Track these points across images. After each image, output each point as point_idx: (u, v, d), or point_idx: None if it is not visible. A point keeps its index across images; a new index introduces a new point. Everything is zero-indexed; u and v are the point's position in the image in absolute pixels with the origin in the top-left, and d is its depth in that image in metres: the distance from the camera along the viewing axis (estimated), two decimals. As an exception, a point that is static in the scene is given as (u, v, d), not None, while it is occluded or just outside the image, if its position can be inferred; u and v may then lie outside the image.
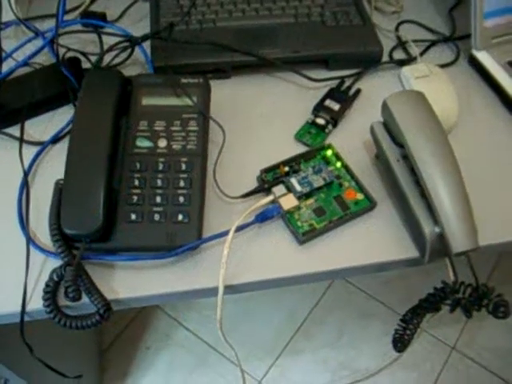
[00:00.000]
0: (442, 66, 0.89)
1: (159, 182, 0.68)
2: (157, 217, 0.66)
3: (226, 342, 0.71)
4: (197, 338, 1.62)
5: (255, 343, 1.62)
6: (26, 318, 0.64)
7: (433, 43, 0.93)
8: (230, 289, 0.67)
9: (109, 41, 0.86)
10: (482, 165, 0.78)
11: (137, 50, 0.87)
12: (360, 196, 0.73)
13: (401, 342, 0.80)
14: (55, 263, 0.65)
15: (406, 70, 0.86)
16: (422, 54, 0.91)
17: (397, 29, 0.95)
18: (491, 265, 1.65)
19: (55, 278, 0.62)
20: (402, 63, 0.89)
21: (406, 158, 0.70)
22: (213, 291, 0.66)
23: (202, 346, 1.61)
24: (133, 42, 0.85)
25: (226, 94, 0.84)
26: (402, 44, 0.93)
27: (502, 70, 0.87)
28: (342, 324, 1.68)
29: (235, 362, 1.53)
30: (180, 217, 0.66)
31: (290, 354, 1.62)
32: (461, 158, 0.66)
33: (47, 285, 0.62)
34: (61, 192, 0.66)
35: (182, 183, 0.68)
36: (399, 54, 0.92)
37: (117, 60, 0.86)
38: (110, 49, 0.84)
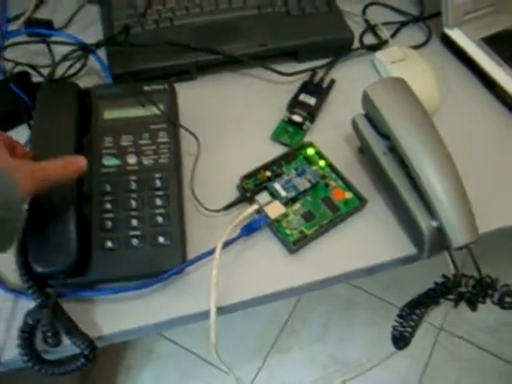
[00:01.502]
0: (415, 47, 0.85)
1: (133, 203, 0.63)
2: (135, 242, 0.61)
3: (223, 364, 0.66)
4: (182, 349, 1.56)
5: (241, 346, 1.58)
6: (1, 369, 0.58)
7: (402, 24, 0.89)
8: (223, 310, 0.62)
9: (59, 50, 0.79)
10: (469, 148, 0.74)
11: (91, 58, 0.80)
12: (349, 195, 0.69)
13: (401, 340, 0.76)
14: (28, 304, 0.58)
15: (379, 56, 0.82)
16: (392, 36, 0.87)
17: (364, 12, 0.90)
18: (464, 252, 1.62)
19: (30, 322, 0.56)
20: (373, 48, 0.85)
21: (394, 149, 0.66)
22: (204, 315, 0.61)
23: (187, 356, 1.55)
24: (86, 49, 0.78)
25: (193, 97, 0.78)
26: (371, 28, 0.88)
27: (476, 47, 0.83)
28: (327, 317, 1.64)
29: (224, 370, 1.47)
30: (161, 239, 0.61)
31: (278, 354, 1.58)
32: (447, 144, 0.63)
33: (22, 331, 0.56)
34: (26, 225, 0.60)
35: (158, 202, 0.63)
36: (369, 39, 0.87)
37: (70, 71, 0.79)
38: (63, 59, 0.78)
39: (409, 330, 0.73)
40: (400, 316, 0.71)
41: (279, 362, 1.57)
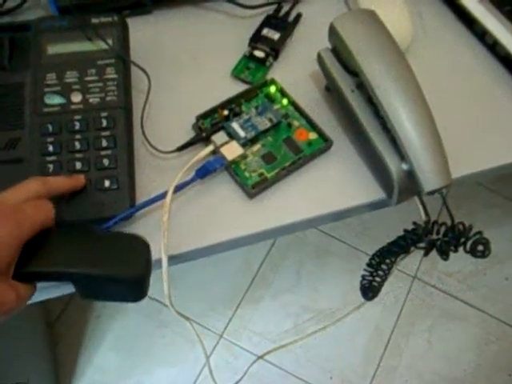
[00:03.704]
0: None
1: (77, 145, 0.57)
2: (79, 186, 0.56)
3: (180, 316, 0.62)
4: (149, 299, 1.53)
5: (212, 296, 1.56)
6: None
7: (375, -46, 0.83)
8: (176, 259, 0.58)
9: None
10: (443, 87, 0.71)
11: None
12: (313, 135, 0.65)
13: (370, 290, 0.73)
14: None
15: (350, -13, 0.76)
16: (364, -33, 0.81)
17: None
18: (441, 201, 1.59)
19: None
20: (344, -20, 0.79)
21: (362, 86, 0.62)
22: (155, 264, 0.56)
23: (155, 306, 1.52)
24: (28, -22, 0.72)
25: (147, 32, 0.72)
26: (341, -42, 0.82)
27: (455, -20, 0.78)
28: (299, 266, 1.62)
29: (194, 319, 1.46)
30: (107, 183, 0.56)
31: (250, 304, 1.56)
32: (420, 82, 0.58)
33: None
34: None
35: (104, 143, 0.57)
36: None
37: (12, 3, 0.72)
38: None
39: (378, 279, 0.70)
40: (369, 265, 0.68)
41: (251, 311, 1.55)
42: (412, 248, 0.62)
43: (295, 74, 0.70)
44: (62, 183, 0.53)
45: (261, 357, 1.21)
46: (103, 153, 0.57)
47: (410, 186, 0.59)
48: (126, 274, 0.48)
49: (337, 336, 1.49)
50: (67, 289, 0.58)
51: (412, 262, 1.61)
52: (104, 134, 0.58)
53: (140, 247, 0.50)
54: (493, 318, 1.57)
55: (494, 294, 1.61)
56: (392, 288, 1.57)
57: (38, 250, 0.47)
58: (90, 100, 0.60)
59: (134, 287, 0.51)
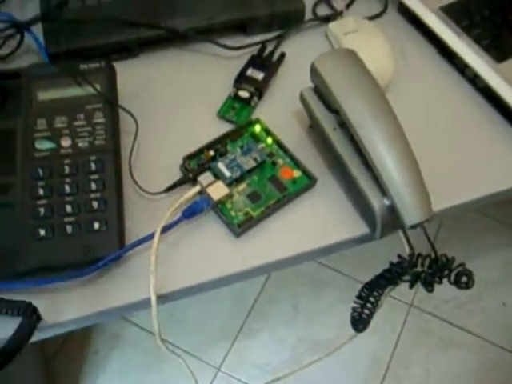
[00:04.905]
0: (371, 17, 0.82)
1: (67, 188, 0.59)
2: (69, 229, 0.57)
3: (171, 351, 0.64)
4: (148, 334, 1.53)
5: (209, 329, 1.55)
6: None
7: (358, -6, 0.85)
8: (164, 298, 0.59)
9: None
10: (426, 122, 0.73)
11: (29, 37, 0.75)
12: (297, 173, 0.66)
13: (360, 322, 0.74)
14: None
15: (332, 27, 0.78)
16: (347, 6, 0.83)
17: (317, -19, 0.86)
18: (435, 227, 1.59)
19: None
20: (327, 19, 0.81)
21: (344, 125, 0.63)
22: (145, 303, 0.58)
23: (153, 341, 1.52)
24: (20, 26, 0.74)
25: (134, 76, 0.74)
26: (324, -2, 0.84)
27: (435, 17, 0.79)
28: (296, 298, 1.62)
29: (191, 352, 1.46)
30: (96, 225, 0.57)
31: (247, 337, 1.55)
32: (400, 117, 0.60)
33: None
34: None
35: (93, 186, 0.59)
36: (323, 10, 0.83)
37: (5, 50, 0.75)
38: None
39: (366, 311, 0.71)
40: (358, 297, 0.69)
41: (248, 344, 1.54)
42: (398, 281, 0.64)
43: (280, 112, 0.72)
44: None
45: (259, 389, 1.21)
46: (92, 195, 0.59)
47: (393, 220, 0.60)
48: None
49: (335, 366, 1.49)
50: (60, 329, 0.59)
51: (408, 290, 1.61)
52: (93, 177, 0.60)
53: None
54: (491, 344, 1.57)
55: (492, 319, 1.61)
56: (389, 316, 1.56)
57: None
58: (79, 144, 0.61)
59: None
